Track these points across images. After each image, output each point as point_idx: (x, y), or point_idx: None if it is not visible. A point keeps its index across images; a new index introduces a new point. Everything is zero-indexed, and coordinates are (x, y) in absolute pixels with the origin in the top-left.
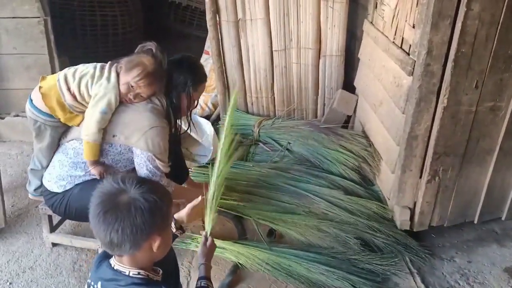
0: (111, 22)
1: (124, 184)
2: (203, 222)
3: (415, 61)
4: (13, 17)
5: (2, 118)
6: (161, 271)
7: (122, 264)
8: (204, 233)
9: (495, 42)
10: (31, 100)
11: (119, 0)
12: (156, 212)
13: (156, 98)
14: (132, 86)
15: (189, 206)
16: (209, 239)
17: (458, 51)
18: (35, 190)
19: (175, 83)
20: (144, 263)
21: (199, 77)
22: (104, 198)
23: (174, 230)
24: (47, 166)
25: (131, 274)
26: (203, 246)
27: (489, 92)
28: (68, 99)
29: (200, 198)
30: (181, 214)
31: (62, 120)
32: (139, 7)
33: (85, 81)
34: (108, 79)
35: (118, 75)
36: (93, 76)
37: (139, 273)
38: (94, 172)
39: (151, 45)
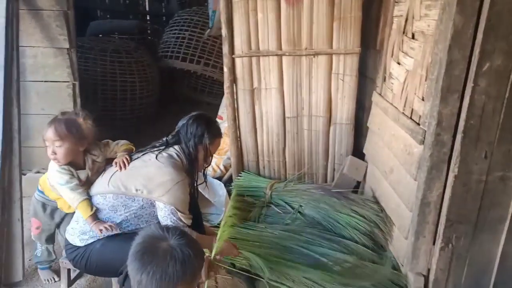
0: (130, 87)
1: (168, 232)
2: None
3: (425, 130)
4: (45, 81)
5: (24, 174)
6: None
7: None
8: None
9: (502, 115)
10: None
11: (139, 68)
12: (188, 266)
13: (175, 154)
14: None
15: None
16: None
17: (467, 123)
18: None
19: (193, 135)
20: None
21: (216, 131)
22: (146, 239)
23: None
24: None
25: None
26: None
27: (499, 162)
28: None
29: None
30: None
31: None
32: (157, 75)
33: None
34: None
35: None
36: None
37: None
38: (94, 229)
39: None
